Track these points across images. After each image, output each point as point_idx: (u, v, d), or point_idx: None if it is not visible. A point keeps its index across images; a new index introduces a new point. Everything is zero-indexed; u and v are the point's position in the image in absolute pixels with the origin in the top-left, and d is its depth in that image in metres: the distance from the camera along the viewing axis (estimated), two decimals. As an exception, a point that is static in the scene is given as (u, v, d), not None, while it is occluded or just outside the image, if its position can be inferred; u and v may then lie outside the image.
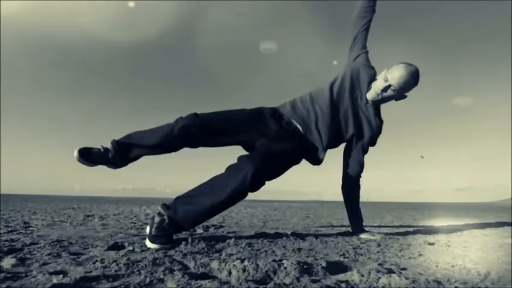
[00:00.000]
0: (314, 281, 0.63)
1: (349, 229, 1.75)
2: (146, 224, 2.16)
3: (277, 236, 1.46)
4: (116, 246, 1.07)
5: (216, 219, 2.72)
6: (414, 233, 1.76)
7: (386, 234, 1.59)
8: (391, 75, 1.44)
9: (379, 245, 1.21)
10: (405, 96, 1.52)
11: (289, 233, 1.59)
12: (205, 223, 2.09)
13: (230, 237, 1.33)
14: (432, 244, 1.24)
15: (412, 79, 1.44)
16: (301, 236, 1.46)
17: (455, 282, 0.66)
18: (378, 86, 1.48)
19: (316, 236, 1.48)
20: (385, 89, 1.45)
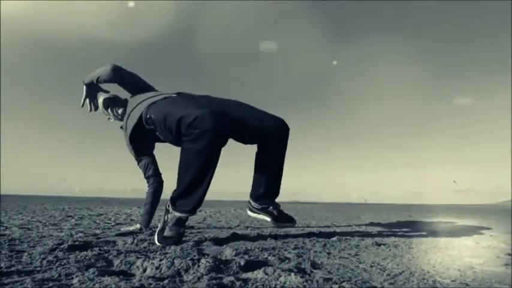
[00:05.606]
0: (214, 278, 0.66)
1: (316, 230, 1.76)
2: (120, 224, 2.19)
3: (235, 237, 1.49)
4: (59, 245, 1.09)
5: (196, 220, 2.75)
6: (376, 233, 1.76)
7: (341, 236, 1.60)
8: None
9: (324, 245, 1.23)
10: None
11: (255, 233, 1.61)
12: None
13: (186, 239, 1.35)
14: (379, 245, 1.25)
15: None
16: (263, 237, 1.48)
17: (356, 282, 0.68)
18: None
19: (276, 237, 1.48)
20: None
